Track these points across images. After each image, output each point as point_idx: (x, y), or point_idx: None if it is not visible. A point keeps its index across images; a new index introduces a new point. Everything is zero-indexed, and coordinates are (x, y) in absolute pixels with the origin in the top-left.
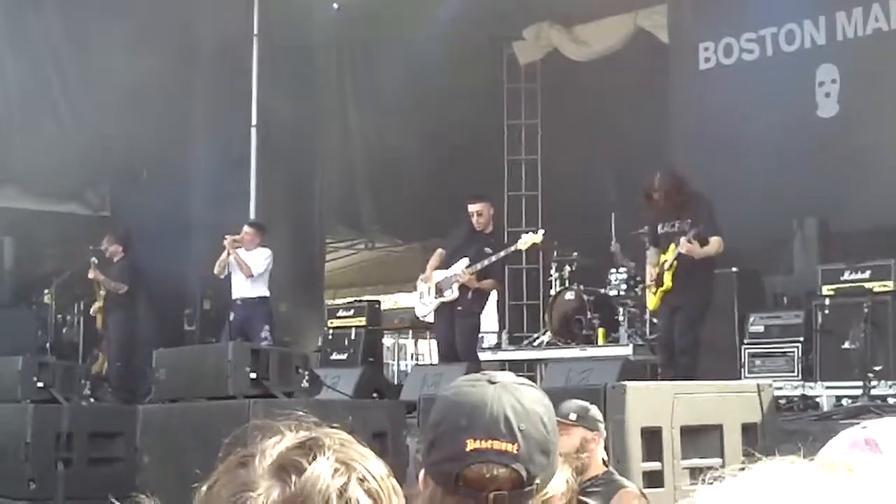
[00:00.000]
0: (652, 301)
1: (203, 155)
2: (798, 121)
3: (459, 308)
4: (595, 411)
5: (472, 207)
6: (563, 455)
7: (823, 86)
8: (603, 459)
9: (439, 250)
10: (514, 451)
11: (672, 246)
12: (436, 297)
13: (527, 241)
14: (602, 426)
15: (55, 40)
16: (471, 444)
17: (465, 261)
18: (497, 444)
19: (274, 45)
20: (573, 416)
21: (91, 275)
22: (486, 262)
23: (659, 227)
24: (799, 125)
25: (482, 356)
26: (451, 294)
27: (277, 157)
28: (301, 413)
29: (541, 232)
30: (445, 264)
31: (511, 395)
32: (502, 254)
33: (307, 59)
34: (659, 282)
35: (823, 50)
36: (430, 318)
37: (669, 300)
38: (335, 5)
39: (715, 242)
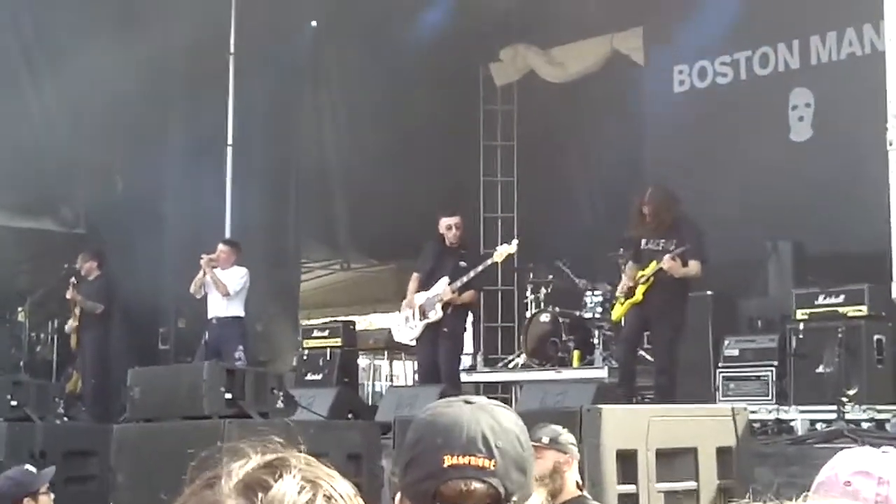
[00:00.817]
0: (617, 311)
1: (178, 172)
2: (772, 144)
3: (445, 329)
4: (567, 435)
5: (447, 221)
6: (537, 478)
7: (797, 109)
8: (577, 483)
9: (415, 274)
10: (492, 468)
11: (653, 263)
12: (420, 320)
13: (502, 252)
14: (575, 449)
15: (29, 52)
16: (448, 461)
17: (445, 279)
18: (475, 461)
19: (250, 63)
20: (545, 440)
21: (69, 295)
22: (465, 278)
23: (643, 242)
24: (773, 148)
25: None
26: (436, 314)
27: (254, 175)
28: (275, 435)
29: (514, 242)
30: (424, 286)
31: (488, 414)
32: (480, 268)
33: (284, 78)
34: (630, 294)
35: (797, 74)
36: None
37: (640, 315)
38: (313, 23)
39: (694, 266)
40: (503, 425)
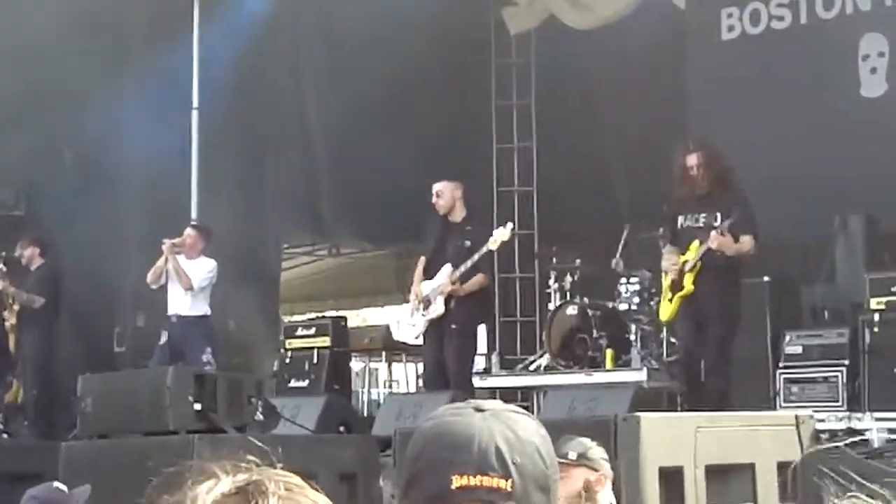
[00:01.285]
0: (667, 310)
1: (136, 142)
2: (839, 101)
3: (453, 325)
4: (598, 449)
5: (434, 188)
6: (564, 500)
7: (868, 59)
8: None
9: (421, 258)
10: (508, 489)
11: (696, 243)
12: (423, 315)
13: (497, 237)
14: (608, 465)
15: None
16: (457, 481)
17: (447, 267)
18: (488, 481)
19: (217, 9)
20: (573, 455)
21: (0, 286)
22: (469, 263)
23: (680, 219)
24: (840, 106)
25: None
26: (437, 309)
27: (223, 147)
28: (252, 452)
29: (509, 226)
30: (430, 272)
31: (502, 423)
32: (483, 250)
33: (255, 28)
34: (678, 286)
35: (869, 16)
36: (421, 340)
37: (692, 310)
38: None
39: (748, 241)
40: (521, 436)
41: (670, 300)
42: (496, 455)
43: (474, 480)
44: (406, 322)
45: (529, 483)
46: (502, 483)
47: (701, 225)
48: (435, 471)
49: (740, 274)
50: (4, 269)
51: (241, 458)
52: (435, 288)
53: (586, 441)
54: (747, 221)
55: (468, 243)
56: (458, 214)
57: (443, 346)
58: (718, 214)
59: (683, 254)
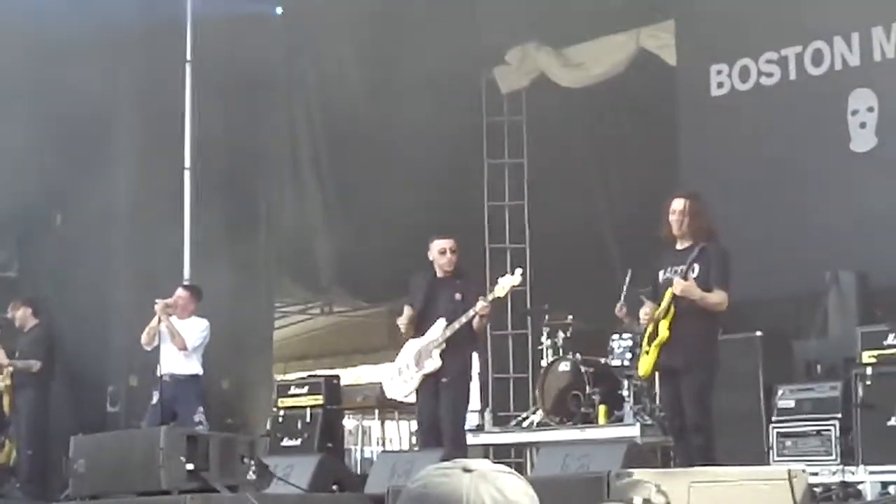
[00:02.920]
0: (645, 363)
1: (128, 204)
2: (829, 156)
3: (445, 379)
4: (661, 496)
5: (440, 244)
6: None
7: (857, 114)
8: None
9: (407, 308)
10: None
11: (668, 291)
12: (416, 371)
13: (504, 284)
14: None
15: None
16: None
17: (441, 321)
18: None
19: (210, 73)
20: (638, 501)
21: None
22: (465, 318)
23: (661, 274)
24: (830, 161)
25: None
26: (433, 363)
27: (215, 204)
28: None
29: (518, 272)
30: (418, 329)
31: (490, 484)
32: (472, 313)
33: (250, 89)
34: (653, 336)
35: (857, 72)
36: (413, 398)
37: (669, 360)
38: (278, 10)
39: (718, 294)
40: (509, 498)
41: (647, 353)
42: None
43: None
44: (396, 380)
45: None
46: None
47: (675, 276)
48: None
49: (717, 323)
50: None
51: None
52: (429, 343)
53: (651, 486)
54: (721, 275)
55: (459, 296)
56: (456, 271)
57: (437, 402)
58: (693, 265)
59: (660, 304)
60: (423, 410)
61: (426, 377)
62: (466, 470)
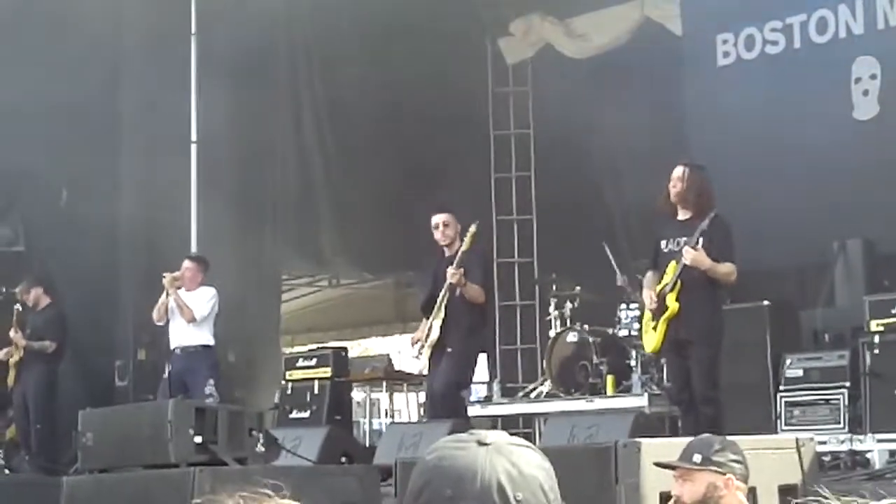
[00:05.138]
0: (652, 339)
1: (135, 177)
2: (833, 124)
3: (449, 349)
4: (728, 451)
5: (434, 219)
6: None
7: (861, 82)
8: None
9: (420, 297)
10: None
11: (672, 264)
12: (424, 345)
13: (468, 237)
14: (740, 468)
15: None
16: None
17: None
18: None
19: (216, 48)
20: (697, 459)
21: (12, 336)
22: (443, 291)
23: (662, 244)
24: (833, 129)
25: (470, 411)
26: (433, 334)
27: (222, 179)
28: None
29: (475, 224)
30: (430, 305)
31: (505, 458)
32: (447, 284)
33: (255, 65)
34: (660, 309)
35: (861, 40)
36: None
37: (677, 333)
38: None
39: (727, 266)
40: (524, 472)
41: (654, 328)
42: (498, 491)
43: None
44: (412, 355)
45: None
46: None
47: (679, 248)
48: None
49: (722, 295)
50: (20, 308)
51: (250, 489)
52: (432, 318)
53: (714, 443)
54: (727, 250)
55: (451, 269)
56: (455, 246)
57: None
58: (697, 234)
59: (664, 276)
60: (430, 382)
61: (433, 350)
62: (481, 443)
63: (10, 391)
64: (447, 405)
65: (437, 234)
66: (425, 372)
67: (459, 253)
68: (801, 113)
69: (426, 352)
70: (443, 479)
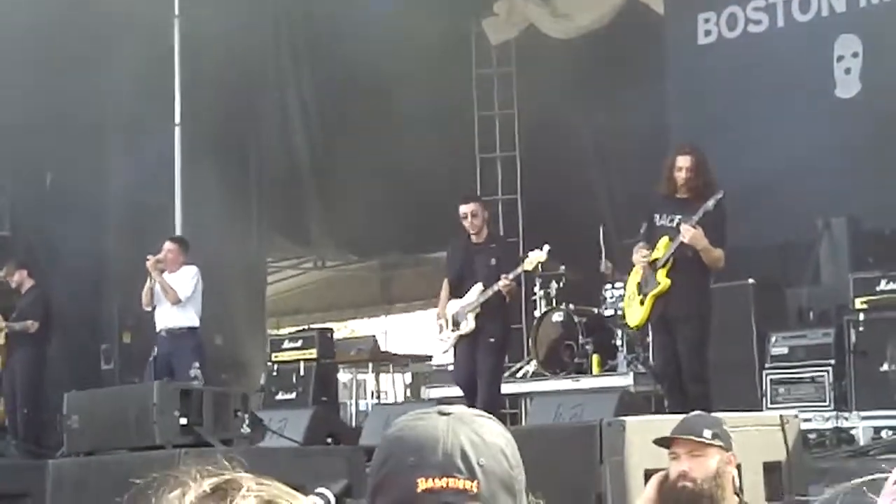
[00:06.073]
0: (637, 313)
1: (119, 160)
2: (815, 102)
3: (492, 340)
4: (727, 428)
5: (462, 209)
6: (703, 481)
7: (843, 60)
8: (735, 488)
9: (445, 280)
10: (474, 490)
11: (665, 239)
12: (452, 331)
13: (533, 259)
14: (733, 445)
15: None
16: (422, 484)
17: (479, 286)
18: (453, 482)
19: (199, 27)
20: (708, 434)
21: None
22: (495, 288)
23: (656, 217)
24: (816, 107)
25: (455, 391)
26: (468, 325)
27: (206, 160)
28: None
29: (546, 248)
30: (456, 292)
31: (467, 426)
32: (496, 288)
33: (239, 44)
34: (644, 284)
35: (843, 18)
36: (449, 356)
37: (665, 310)
38: None
39: (719, 251)
40: (486, 439)
41: (641, 302)
42: (462, 457)
43: (440, 483)
44: (437, 339)
45: (495, 484)
46: (468, 484)
47: (674, 225)
48: (400, 475)
49: (710, 275)
50: None
51: (210, 463)
52: (465, 306)
53: (718, 417)
54: (722, 236)
55: (494, 261)
56: (483, 234)
57: (475, 361)
58: (701, 212)
59: (655, 251)
60: (459, 370)
61: (461, 338)
62: (443, 414)
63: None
64: (493, 391)
65: (466, 223)
66: (448, 354)
67: (521, 270)
68: (783, 91)
69: (455, 338)
70: (405, 448)
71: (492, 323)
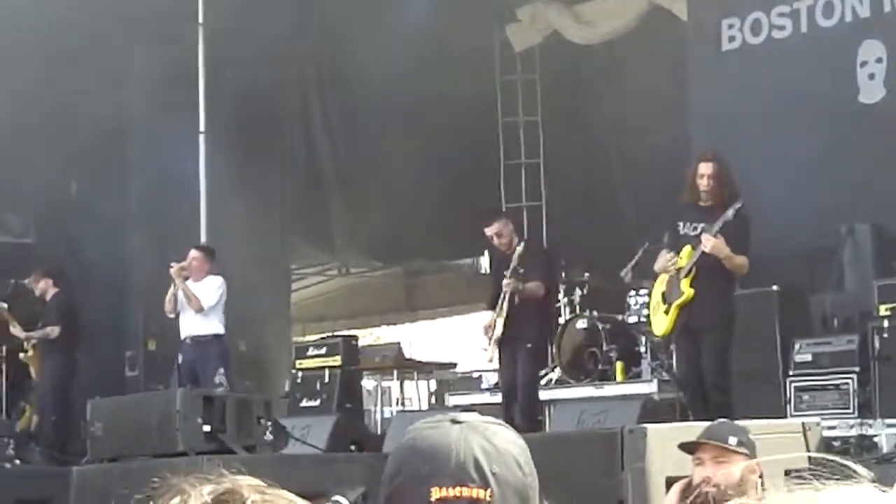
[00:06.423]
0: (662, 322)
1: (143, 169)
2: (839, 108)
3: (529, 345)
4: (750, 434)
5: (487, 232)
6: (726, 488)
7: (867, 66)
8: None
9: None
10: (488, 498)
11: (688, 248)
12: (488, 341)
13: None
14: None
15: None
16: (436, 493)
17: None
18: (467, 492)
19: (223, 35)
20: (733, 441)
21: (13, 331)
22: (506, 297)
23: (679, 225)
24: (840, 113)
25: (479, 398)
26: (497, 332)
27: (231, 168)
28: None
29: (522, 244)
30: (494, 301)
31: (480, 435)
32: (508, 275)
33: (262, 53)
34: (673, 295)
35: (867, 23)
36: (494, 363)
37: (689, 320)
38: None
39: (742, 259)
40: (499, 447)
41: (666, 312)
42: (475, 466)
43: (454, 492)
44: (481, 347)
45: (509, 492)
46: (482, 493)
47: (697, 233)
48: (414, 484)
49: (735, 283)
50: (6, 306)
51: (211, 472)
52: (494, 314)
53: (743, 425)
54: (745, 243)
55: (522, 270)
56: (513, 245)
57: (516, 367)
58: (721, 222)
59: (679, 259)
60: (502, 376)
61: (501, 346)
62: (455, 422)
63: (30, 383)
64: (531, 394)
65: (495, 243)
66: (494, 364)
67: (511, 268)
68: (807, 97)
69: (493, 347)
70: (419, 457)
71: (527, 329)
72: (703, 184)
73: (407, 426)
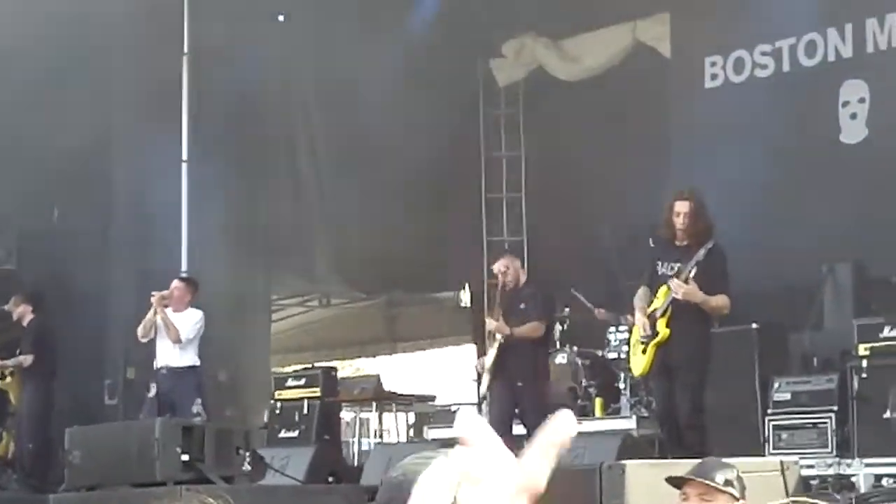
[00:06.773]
0: (640, 362)
1: (125, 195)
2: (820, 148)
3: (520, 384)
4: (742, 478)
5: (494, 267)
6: None
7: (848, 106)
8: None
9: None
10: None
11: (665, 288)
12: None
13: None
14: (746, 493)
15: None
16: None
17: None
18: None
19: (208, 63)
20: (720, 479)
21: None
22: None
23: (658, 265)
24: (821, 152)
25: (455, 432)
26: (489, 358)
27: (213, 197)
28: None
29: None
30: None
31: None
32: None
33: (248, 80)
34: (651, 333)
35: (850, 63)
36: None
37: (665, 358)
38: (280, 17)
39: (721, 299)
40: None
41: (643, 351)
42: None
43: None
44: (472, 377)
45: None
46: None
47: (674, 273)
48: None
49: (711, 322)
50: None
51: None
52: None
53: (732, 464)
54: (723, 281)
55: (522, 305)
56: (520, 282)
57: (509, 402)
58: (691, 265)
59: (654, 299)
60: (493, 409)
61: (495, 377)
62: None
63: (12, 412)
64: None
65: (502, 280)
66: (481, 394)
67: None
68: (789, 136)
69: (485, 378)
70: (408, 492)
71: (519, 366)
72: (678, 222)
73: (386, 459)
